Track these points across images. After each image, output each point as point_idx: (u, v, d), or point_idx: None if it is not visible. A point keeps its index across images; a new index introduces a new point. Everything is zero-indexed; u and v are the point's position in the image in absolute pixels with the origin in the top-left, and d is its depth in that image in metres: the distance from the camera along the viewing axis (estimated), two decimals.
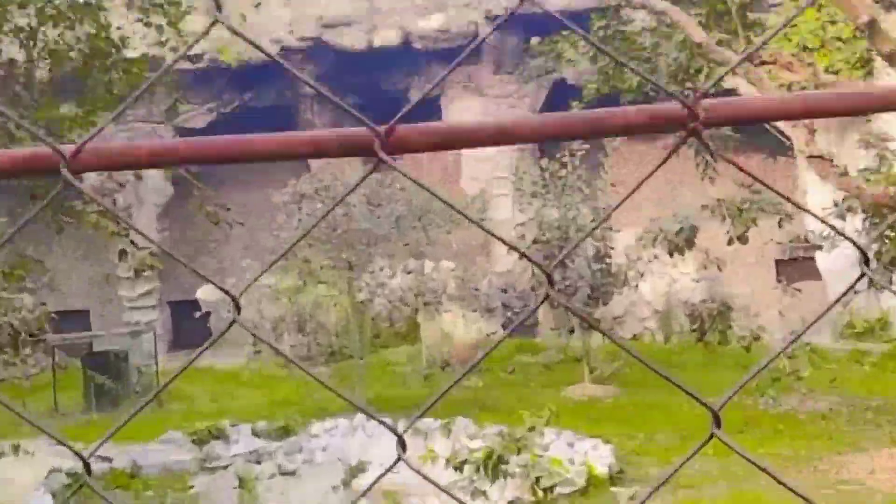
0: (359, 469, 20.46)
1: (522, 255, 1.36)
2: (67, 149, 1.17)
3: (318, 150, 1.21)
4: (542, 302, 1.44)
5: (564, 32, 28.66)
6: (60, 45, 15.14)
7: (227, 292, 1.29)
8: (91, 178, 37.21)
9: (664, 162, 1.47)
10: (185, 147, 1.20)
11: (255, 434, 23.26)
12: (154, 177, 37.22)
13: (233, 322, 1.29)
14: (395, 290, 30.16)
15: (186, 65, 20.00)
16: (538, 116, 1.21)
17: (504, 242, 1.42)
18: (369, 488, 1.46)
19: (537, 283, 28.30)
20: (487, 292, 35.63)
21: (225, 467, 20.80)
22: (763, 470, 1.55)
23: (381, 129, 1.19)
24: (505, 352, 33.37)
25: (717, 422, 1.41)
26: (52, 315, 18.77)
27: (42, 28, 14.91)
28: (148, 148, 1.19)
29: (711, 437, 1.40)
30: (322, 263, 27.36)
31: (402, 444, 1.43)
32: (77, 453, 1.32)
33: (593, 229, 1.69)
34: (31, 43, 14.81)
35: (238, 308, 1.29)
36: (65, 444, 1.40)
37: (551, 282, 1.42)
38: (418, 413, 1.44)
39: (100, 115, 15.04)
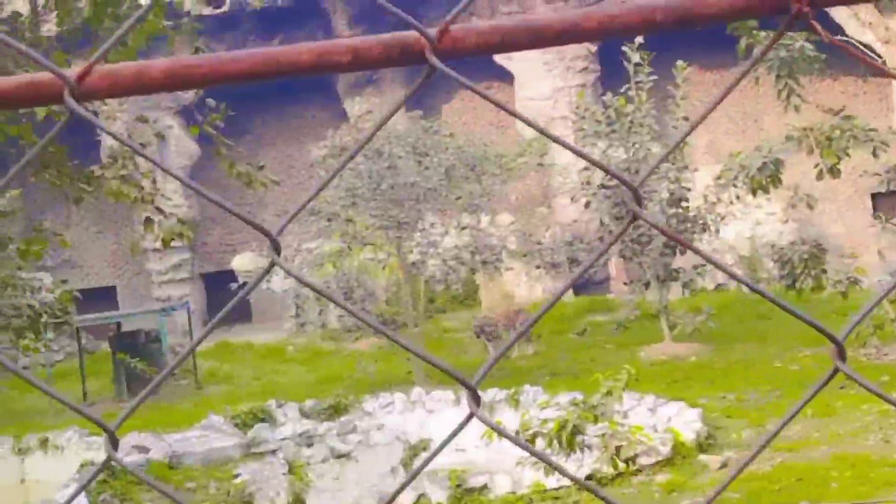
0: (420, 448, 20.53)
1: (606, 170, 1.29)
2: (72, 72, 1.13)
3: (357, 57, 1.15)
4: (629, 224, 1.38)
5: None
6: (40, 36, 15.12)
7: (264, 231, 1.24)
8: (109, 139, 37.44)
9: (746, 73, 1.40)
10: (207, 64, 1.15)
11: (304, 414, 23.36)
12: (178, 137, 37.31)
13: (272, 264, 1.24)
14: (450, 249, 30.09)
15: (207, 10, 19.99)
16: (610, 6, 1.15)
17: (586, 158, 1.36)
18: (439, 449, 1.40)
19: (607, 233, 28.13)
20: (551, 246, 35.53)
21: (272, 452, 20.91)
22: (892, 402, 1.48)
23: (432, 30, 1.14)
24: (574, 311, 33.29)
25: (842, 354, 1.34)
26: (76, 294, 18.87)
27: None
28: (164, 67, 1.14)
29: (836, 371, 1.33)
30: (367, 223, 27.34)
31: (475, 398, 1.36)
32: (101, 424, 1.28)
33: (669, 151, 1.62)
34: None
35: (277, 249, 1.24)
36: (87, 415, 1.37)
37: (638, 199, 1.36)
38: (487, 365, 1.37)
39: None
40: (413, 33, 1.17)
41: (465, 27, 1.20)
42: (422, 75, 1.21)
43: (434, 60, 1.19)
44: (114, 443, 1.31)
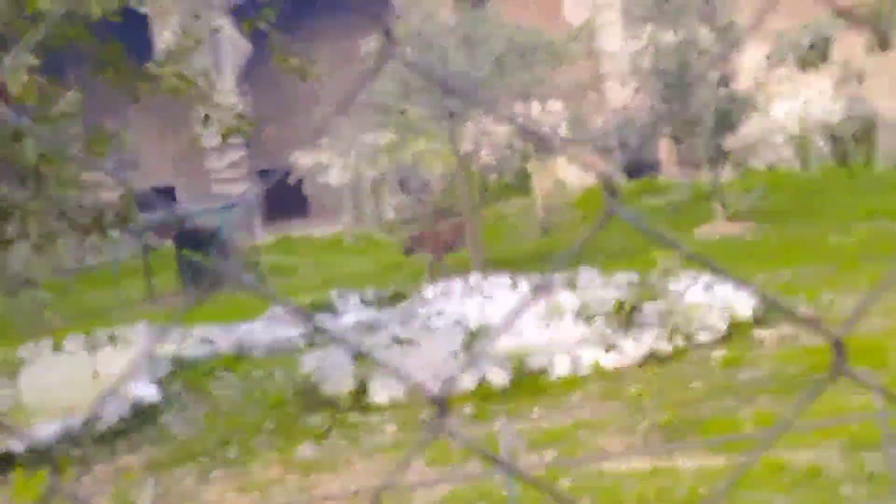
0: (479, 332, 20.59)
1: None
2: None
3: None
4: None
5: None
6: None
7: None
8: (164, 37, 37.41)
9: None
10: None
11: (365, 303, 23.48)
12: (232, 36, 37.19)
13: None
14: (502, 135, 29.96)
15: None
16: None
17: None
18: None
19: (658, 116, 27.90)
20: (603, 131, 35.31)
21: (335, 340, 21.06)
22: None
23: None
24: (627, 195, 33.17)
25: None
26: (138, 193, 18.95)
27: None
28: None
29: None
30: (420, 114, 27.24)
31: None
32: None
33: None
34: None
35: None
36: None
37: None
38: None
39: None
40: None
41: None
42: None
43: None
44: None
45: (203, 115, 16.27)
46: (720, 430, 13.96)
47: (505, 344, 19.43)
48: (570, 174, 35.12)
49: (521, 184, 35.03)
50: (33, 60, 13.15)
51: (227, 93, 32.97)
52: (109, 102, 36.11)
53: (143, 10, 22.07)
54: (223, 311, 24.06)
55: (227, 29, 36.21)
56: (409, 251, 27.50)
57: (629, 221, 1.36)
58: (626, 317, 15.82)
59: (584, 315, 15.65)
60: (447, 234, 27.32)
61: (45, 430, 17.61)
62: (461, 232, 27.24)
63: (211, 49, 36.65)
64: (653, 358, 16.51)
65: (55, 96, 16.11)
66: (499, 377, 17.63)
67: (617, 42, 36.18)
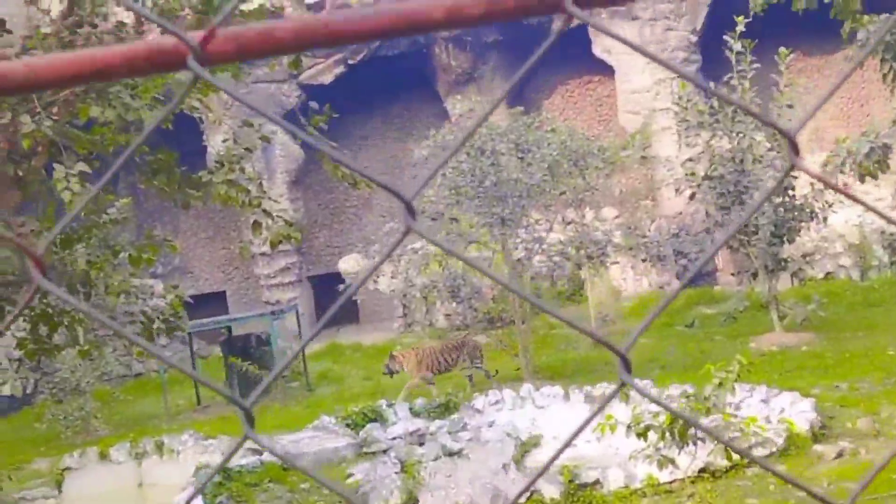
0: (531, 444, 20.45)
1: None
2: (196, 35, 1.08)
3: (491, 8, 1.09)
4: (786, 174, 1.31)
5: None
6: (171, 3, 15.29)
7: (397, 194, 1.19)
8: (217, 145, 37.75)
9: (861, 62, 1.32)
10: (336, 22, 1.10)
11: (415, 413, 23.38)
12: (284, 142, 37.57)
13: (407, 231, 1.18)
14: (555, 244, 29.96)
15: (306, 14, 20.11)
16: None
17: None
18: (560, 451, 1.34)
19: (713, 224, 27.85)
20: (657, 239, 35.28)
21: (384, 451, 20.94)
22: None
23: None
24: (682, 303, 33.00)
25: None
26: (187, 299, 19.06)
27: None
28: (291, 27, 1.09)
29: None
30: (472, 221, 27.32)
31: (625, 365, 1.30)
32: (237, 402, 1.24)
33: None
34: (140, 2, 14.97)
35: (412, 212, 1.19)
36: (225, 394, 1.33)
37: (796, 149, 1.29)
38: (635, 332, 1.31)
39: (218, 75, 15.16)
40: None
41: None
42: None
43: (571, 7, 1.13)
44: (250, 420, 1.26)
45: (253, 222, 16.38)
46: None
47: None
48: (625, 282, 35.06)
49: (574, 292, 34.98)
50: (86, 167, 13.32)
51: (279, 198, 33.22)
52: (160, 208, 36.58)
53: (195, 115, 22.33)
54: (271, 421, 24.04)
55: (279, 135, 36.60)
56: (388, 371, 27.64)
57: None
58: (680, 430, 15.64)
59: (638, 428, 15.48)
60: (439, 354, 27.32)
61: None
62: (458, 352, 27.23)
63: (263, 154, 37.03)
64: (707, 473, 16.32)
65: (106, 203, 16.28)
66: (550, 490, 17.48)
67: (672, 149, 36.26)
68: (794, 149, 1.24)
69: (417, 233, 1.21)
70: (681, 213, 35.74)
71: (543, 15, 1.13)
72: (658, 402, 1.55)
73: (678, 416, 15.23)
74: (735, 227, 1.61)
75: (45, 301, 17.13)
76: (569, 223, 29.64)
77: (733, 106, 26.78)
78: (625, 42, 1.18)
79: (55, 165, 13.35)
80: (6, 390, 33.69)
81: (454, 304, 29.89)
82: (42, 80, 1.11)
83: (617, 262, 32.08)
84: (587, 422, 1.39)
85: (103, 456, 23.95)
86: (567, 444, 1.49)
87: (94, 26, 15.37)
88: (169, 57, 1.10)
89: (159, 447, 23.86)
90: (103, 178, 1.30)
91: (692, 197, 28.35)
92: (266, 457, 21.31)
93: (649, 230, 35.71)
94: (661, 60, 1.32)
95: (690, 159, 28.42)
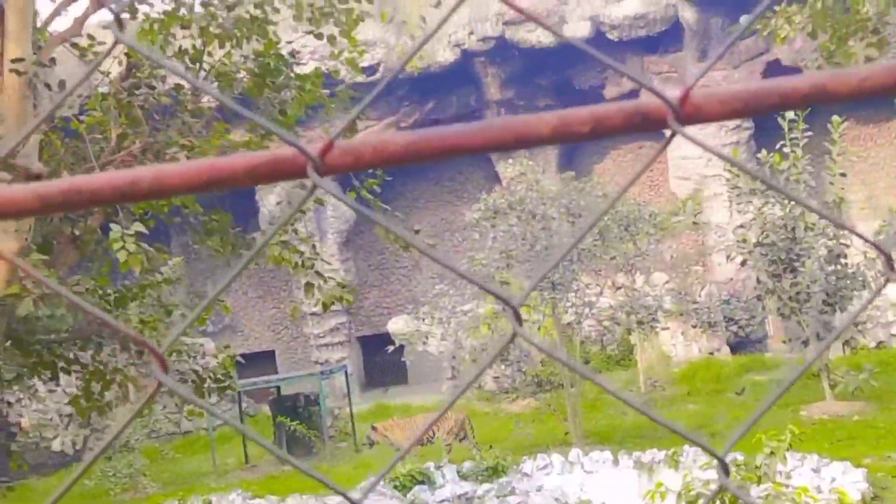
0: None
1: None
2: (314, 148, 1.14)
3: (598, 126, 1.14)
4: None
5: (778, 7, 28.10)
6: (227, 66, 15.48)
7: (505, 301, 1.23)
8: (269, 206, 37.90)
9: None
10: (445, 137, 1.15)
11: (462, 476, 23.32)
12: (335, 203, 37.76)
13: (513, 336, 1.22)
14: (605, 309, 29.94)
15: (360, 77, 20.26)
16: (857, 70, 1.12)
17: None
18: None
19: (764, 291, 27.73)
20: (707, 305, 35.16)
21: None
22: None
23: (675, 97, 1.12)
24: (733, 370, 32.83)
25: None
26: (238, 359, 19.17)
27: (207, 49, 15.26)
28: (404, 141, 1.14)
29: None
30: (522, 285, 27.33)
31: (724, 469, 1.33)
32: (342, 493, 1.28)
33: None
34: (198, 66, 15.17)
35: (518, 318, 1.23)
36: (331, 486, 1.37)
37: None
38: (736, 434, 1.35)
39: (274, 138, 15.33)
40: (655, 101, 1.16)
41: (707, 93, 1.19)
42: (663, 144, 1.19)
43: (676, 126, 1.17)
44: None
45: (306, 283, 16.46)
46: None
47: None
48: (675, 347, 34.92)
49: (624, 356, 34.88)
50: (141, 227, 13.44)
51: (329, 259, 33.36)
52: (211, 267, 36.79)
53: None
54: (318, 481, 24.05)
55: (331, 196, 36.81)
56: (369, 442, 27.75)
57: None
58: (731, 499, 15.53)
59: (689, 496, 15.38)
60: (422, 427, 27.29)
61: None
62: (443, 425, 27.21)
63: (314, 215, 37.25)
64: None
65: (160, 263, 16.42)
66: None
67: (723, 215, 36.24)
68: (890, 265, 1.28)
69: (524, 338, 1.25)
70: (731, 280, 35.65)
71: (648, 132, 1.18)
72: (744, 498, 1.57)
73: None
74: (834, 336, 1.64)
75: (98, 359, 17.28)
76: (619, 288, 29.61)
77: (785, 173, 26.77)
78: (704, 147, 1.23)
79: (111, 225, 13.49)
80: (56, 446, 33.87)
81: (503, 367, 29.83)
82: (169, 187, 1.16)
83: (667, 328, 31.98)
84: None
85: None
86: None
87: (152, 88, 15.59)
88: (289, 167, 1.15)
89: None
90: (230, 278, 1.35)
91: (743, 263, 28.26)
92: None
93: (700, 296, 35.57)
94: (718, 153, 1.36)
95: (742, 226, 28.37)
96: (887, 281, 1.31)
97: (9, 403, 31.45)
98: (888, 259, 1.29)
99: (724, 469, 1.35)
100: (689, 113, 1.15)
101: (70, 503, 26.05)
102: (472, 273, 27.57)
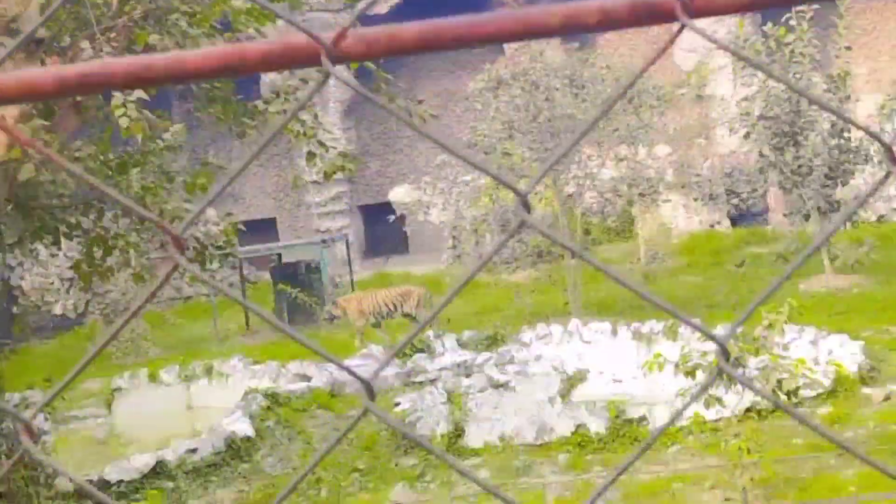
0: (578, 378, 20.58)
1: None
2: (328, 36, 1.15)
3: (605, 18, 1.16)
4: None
5: None
6: None
7: (513, 189, 1.25)
8: (272, 74, 37.59)
9: None
10: (458, 26, 1.16)
11: (462, 345, 23.54)
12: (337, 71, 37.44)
13: (521, 223, 1.24)
14: (606, 180, 29.92)
15: None
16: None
17: None
18: None
19: (767, 164, 27.70)
20: (709, 177, 35.16)
21: (431, 382, 21.13)
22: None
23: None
24: (733, 243, 32.94)
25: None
26: (239, 226, 19.24)
27: None
28: (416, 30, 1.15)
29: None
30: (524, 156, 27.30)
31: (724, 353, 1.36)
32: (359, 378, 1.32)
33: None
34: None
35: (527, 207, 1.25)
36: (344, 367, 1.40)
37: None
38: (736, 323, 1.38)
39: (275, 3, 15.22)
40: None
41: None
42: (671, 38, 1.21)
43: (684, 19, 1.19)
44: (371, 394, 1.33)
45: (307, 152, 16.45)
46: (821, 489, 13.82)
47: (603, 392, 19.42)
48: (676, 220, 34.99)
49: (625, 228, 34.95)
50: (143, 94, 13.39)
51: (331, 128, 33.27)
52: (212, 135, 36.68)
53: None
54: (348, 345, 24.34)
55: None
56: (329, 317, 27.91)
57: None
58: (728, 376, 15.69)
59: (686, 367, 15.54)
60: (381, 301, 27.54)
61: (140, 460, 17.83)
62: (402, 299, 27.41)
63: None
64: (754, 412, 16.38)
65: (161, 130, 16.38)
66: (596, 425, 17.63)
67: (727, 88, 36.01)
68: (892, 158, 1.30)
69: (532, 226, 1.27)
70: (734, 153, 35.52)
71: (655, 25, 1.19)
72: (757, 391, 1.59)
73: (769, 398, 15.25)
74: (835, 226, 1.67)
75: (100, 225, 17.34)
76: (621, 160, 29.54)
77: (790, 46, 26.61)
78: (713, 41, 1.24)
79: (113, 92, 13.45)
80: (57, 310, 34.11)
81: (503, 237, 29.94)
82: (182, 73, 1.18)
83: (669, 200, 31.97)
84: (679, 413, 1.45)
85: (153, 377, 24.28)
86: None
87: None
88: (303, 55, 1.17)
89: (208, 371, 24.16)
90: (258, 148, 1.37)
91: (746, 136, 28.18)
92: (314, 383, 21.55)
93: (702, 168, 35.56)
94: (725, 47, 1.36)
95: (746, 99, 28.25)
96: (888, 174, 1.33)
97: (10, 267, 31.62)
98: (888, 150, 1.31)
99: (724, 354, 1.38)
100: (698, 7, 1.17)
101: (73, 366, 26.25)
102: (474, 145, 27.56)
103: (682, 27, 1.20)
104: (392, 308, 27.33)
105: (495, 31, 1.15)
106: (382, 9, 38.82)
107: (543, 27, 1.17)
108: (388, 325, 26.87)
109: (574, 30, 1.18)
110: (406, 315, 27.10)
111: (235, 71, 1.18)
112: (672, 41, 1.21)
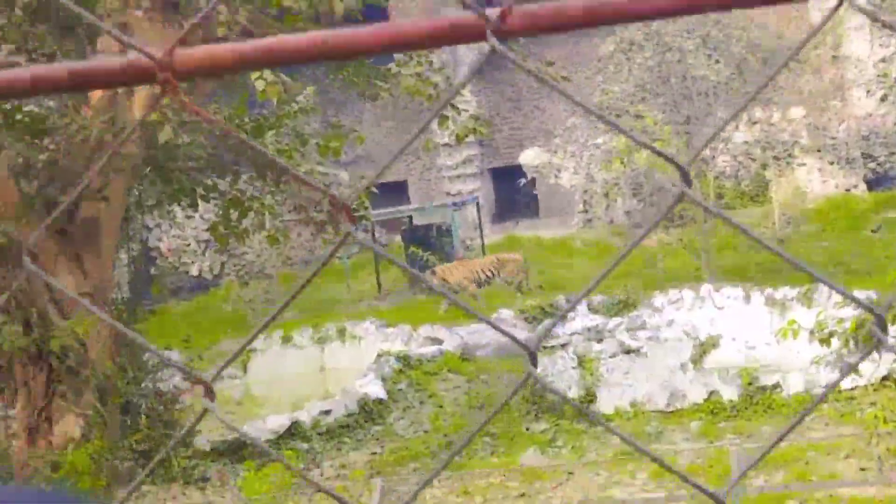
0: (709, 344, 20.43)
1: None
2: (494, 12, 1.18)
3: None
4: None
5: None
6: None
7: (674, 161, 1.27)
8: None
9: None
10: (621, 1, 1.18)
11: (593, 310, 23.47)
12: None
13: (681, 196, 1.26)
14: (739, 144, 29.60)
15: None
16: None
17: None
18: None
19: None
20: (845, 140, 34.57)
21: (562, 346, 21.12)
22: None
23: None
24: (870, 207, 32.36)
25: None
26: (372, 189, 19.39)
27: None
28: (583, 4, 1.17)
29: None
30: (656, 118, 27.10)
31: (880, 324, 1.36)
32: (522, 344, 1.35)
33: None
34: None
35: (687, 179, 1.26)
36: (507, 333, 1.44)
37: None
38: None
39: None
40: None
41: None
42: None
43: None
44: (534, 361, 1.37)
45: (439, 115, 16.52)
46: None
47: (736, 359, 19.26)
48: (811, 184, 34.49)
49: (758, 192, 34.54)
50: None
51: (463, 91, 33.31)
52: (344, 98, 36.93)
53: (385, 4, 22.48)
54: (449, 311, 24.39)
55: None
56: (428, 287, 27.89)
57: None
58: (864, 337, 15.48)
59: (821, 334, 15.36)
60: (479, 269, 27.56)
61: (276, 421, 18.12)
62: (498, 267, 27.38)
63: (449, 47, 37.08)
64: (890, 381, 16.16)
65: (295, 93, 16.56)
66: (729, 392, 17.51)
67: (864, 48, 35.31)
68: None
69: (691, 200, 1.29)
70: (871, 115, 34.89)
71: None
72: None
73: None
74: None
75: (236, 187, 17.60)
76: (755, 123, 29.20)
77: None
78: (876, 19, 1.24)
79: None
80: (194, 271, 34.69)
81: (635, 202, 29.78)
82: (355, 48, 1.21)
83: (803, 164, 31.54)
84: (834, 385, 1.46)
85: (287, 340, 24.59)
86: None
87: None
88: (470, 31, 1.20)
89: (341, 333, 24.41)
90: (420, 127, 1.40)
91: (884, 98, 27.70)
92: (445, 346, 21.67)
93: (838, 132, 34.97)
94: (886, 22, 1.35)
95: (883, 60, 27.75)
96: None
97: (148, 229, 32.21)
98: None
99: (881, 324, 1.38)
100: None
101: (210, 327, 26.73)
102: (605, 108, 27.42)
103: (841, 2, 1.21)
104: (490, 275, 27.48)
105: (663, 4, 1.17)
106: None
107: (702, 2, 1.18)
108: (487, 293, 27.02)
109: (740, 4, 1.20)
110: (505, 281, 27.29)
111: (405, 46, 1.21)
112: (829, 17, 1.21)
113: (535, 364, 1.32)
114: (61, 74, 1.25)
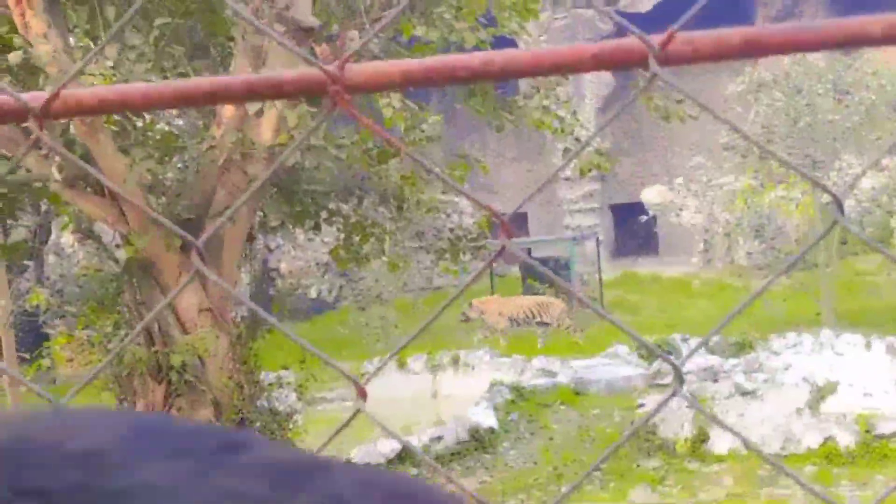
0: (827, 391, 20.14)
1: None
2: (655, 38, 1.21)
3: None
4: None
5: None
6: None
7: (829, 191, 1.30)
8: None
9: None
10: (783, 34, 1.20)
11: (709, 350, 23.30)
12: None
13: (834, 223, 1.28)
14: (867, 189, 29.20)
15: None
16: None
17: None
18: None
19: None
20: None
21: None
22: None
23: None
24: None
25: None
26: (493, 220, 19.43)
27: None
28: (741, 36, 1.19)
29: None
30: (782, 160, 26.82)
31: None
32: (671, 363, 1.38)
33: None
34: None
35: (840, 207, 1.28)
36: (666, 358, 1.47)
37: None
38: None
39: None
40: None
41: None
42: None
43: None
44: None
45: (563, 148, 16.55)
46: None
47: (853, 406, 18.98)
48: None
49: (883, 239, 34.03)
50: None
51: (587, 124, 33.31)
52: (467, 127, 37.14)
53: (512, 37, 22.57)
54: (564, 344, 24.35)
55: None
56: (465, 318, 27.83)
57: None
58: None
59: None
60: (518, 308, 27.42)
61: (387, 445, 18.21)
62: (538, 309, 27.15)
63: (573, 80, 37.12)
64: None
65: (421, 119, 16.68)
66: (846, 439, 17.26)
67: None
68: None
69: (847, 227, 1.30)
70: None
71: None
72: None
73: None
74: None
75: (359, 212, 17.77)
76: (883, 169, 28.79)
77: None
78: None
79: None
80: (313, 293, 35.02)
81: (756, 243, 29.50)
82: (517, 69, 1.26)
83: None
84: None
85: (401, 365, 24.72)
86: None
87: None
88: (632, 56, 1.23)
89: (455, 361, 24.50)
90: None
91: None
92: (559, 379, 21.64)
93: None
94: None
95: None
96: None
97: (269, 250, 32.61)
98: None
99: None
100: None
101: (327, 349, 26.90)
102: (731, 148, 27.24)
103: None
104: (529, 315, 27.43)
105: (817, 38, 1.19)
106: (646, 7, 38.65)
107: (864, 36, 1.21)
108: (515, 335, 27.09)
109: (891, 41, 1.22)
110: (541, 324, 27.19)
111: (568, 69, 1.25)
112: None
113: (681, 381, 1.35)
114: (238, 85, 1.31)
